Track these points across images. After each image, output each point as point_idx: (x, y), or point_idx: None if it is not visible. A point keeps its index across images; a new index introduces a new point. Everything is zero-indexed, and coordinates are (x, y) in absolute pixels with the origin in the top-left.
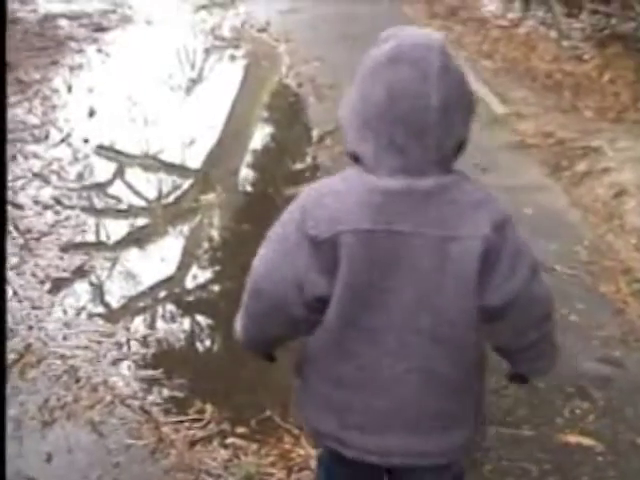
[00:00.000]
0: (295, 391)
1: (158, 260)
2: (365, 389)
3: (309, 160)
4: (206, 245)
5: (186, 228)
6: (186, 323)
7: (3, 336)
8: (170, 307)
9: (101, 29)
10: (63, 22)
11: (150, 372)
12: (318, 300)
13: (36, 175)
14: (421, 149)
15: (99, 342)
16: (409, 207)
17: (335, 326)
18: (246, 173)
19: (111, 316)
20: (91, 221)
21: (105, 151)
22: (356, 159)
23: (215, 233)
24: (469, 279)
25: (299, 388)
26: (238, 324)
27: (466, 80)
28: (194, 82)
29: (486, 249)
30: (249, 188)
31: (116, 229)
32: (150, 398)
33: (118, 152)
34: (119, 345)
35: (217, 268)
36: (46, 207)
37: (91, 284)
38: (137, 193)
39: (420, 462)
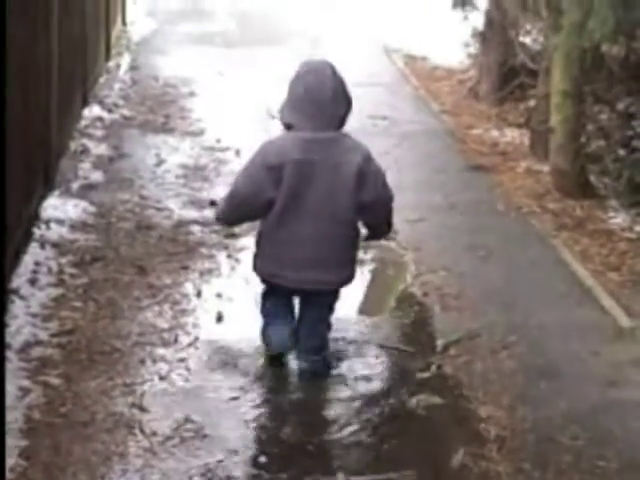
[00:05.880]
0: (254, 258)
1: None
2: (295, 245)
3: (434, 369)
4: None
5: None
6: None
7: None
8: None
9: (232, 235)
10: (195, 228)
11: None
12: (269, 200)
13: (163, 378)
14: (322, 116)
15: None
16: (318, 147)
17: (279, 211)
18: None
19: None
20: None
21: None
22: (288, 127)
23: None
24: (349, 186)
25: (257, 254)
26: (219, 211)
27: (344, 83)
28: None
29: (358, 170)
30: (375, 395)
31: None
32: None
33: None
34: None
35: None
36: (171, 410)
37: None
38: None
39: (325, 287)
